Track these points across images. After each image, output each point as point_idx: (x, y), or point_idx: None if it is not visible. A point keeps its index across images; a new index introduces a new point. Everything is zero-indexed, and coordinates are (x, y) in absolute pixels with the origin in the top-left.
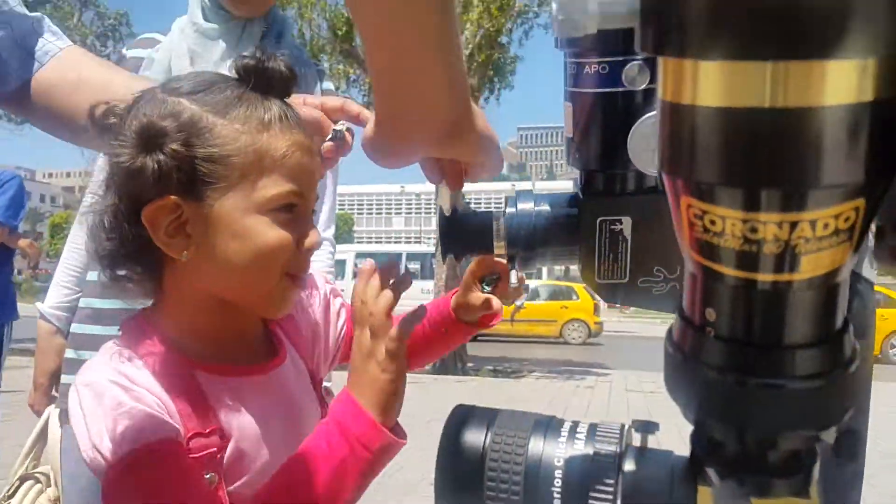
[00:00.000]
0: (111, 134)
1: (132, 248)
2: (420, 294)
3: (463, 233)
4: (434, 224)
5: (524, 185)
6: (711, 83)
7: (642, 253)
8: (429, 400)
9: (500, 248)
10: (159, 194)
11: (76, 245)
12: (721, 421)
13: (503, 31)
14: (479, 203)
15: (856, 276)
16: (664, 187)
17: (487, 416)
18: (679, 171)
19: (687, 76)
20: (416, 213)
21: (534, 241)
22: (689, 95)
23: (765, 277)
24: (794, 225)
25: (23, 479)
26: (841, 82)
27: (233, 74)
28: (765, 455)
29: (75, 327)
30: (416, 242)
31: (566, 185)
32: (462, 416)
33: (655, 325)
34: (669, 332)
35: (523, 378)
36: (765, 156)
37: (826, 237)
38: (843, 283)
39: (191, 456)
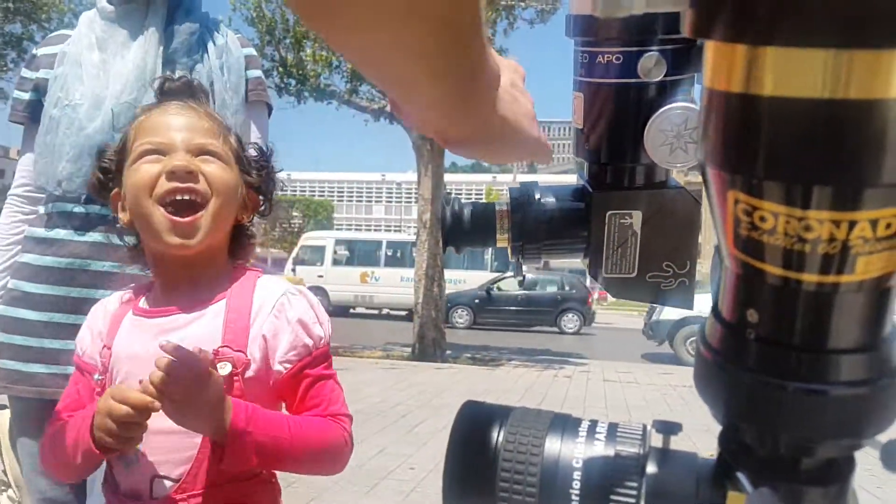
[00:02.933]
0: None
1: None
2: (400, 282)
3: (466, 225)
4: (415, 213)
5: (505, 178)
6: (768, 71)
7: (651, 248)
8: (406, 386)
9: (503, 240)
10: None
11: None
12: (756, 425)
13: (489, 23)
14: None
15: None
16: (703, 178)
17: (500, 414)
18: (728, 164)
19: (740, 63)
20: (396, 201)
21: (539, 234)
22: (742, 83)
23: (815, 278)
24: (852, 224)
25: None
26: None
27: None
28: (800, 462)
29: (3, 309)
30: (396, 231)
31: (547, 177)
32: (472, 413)
33: (633, 318)
34: (702, 330)
35: (501, 366)
36: (824, 150)
37: (885, 238)
38: (894, 287)
39: (85, 362)
